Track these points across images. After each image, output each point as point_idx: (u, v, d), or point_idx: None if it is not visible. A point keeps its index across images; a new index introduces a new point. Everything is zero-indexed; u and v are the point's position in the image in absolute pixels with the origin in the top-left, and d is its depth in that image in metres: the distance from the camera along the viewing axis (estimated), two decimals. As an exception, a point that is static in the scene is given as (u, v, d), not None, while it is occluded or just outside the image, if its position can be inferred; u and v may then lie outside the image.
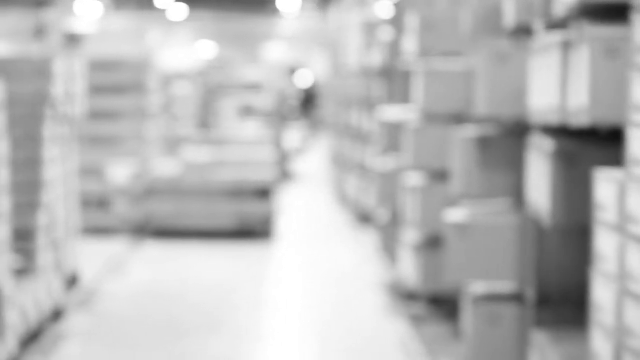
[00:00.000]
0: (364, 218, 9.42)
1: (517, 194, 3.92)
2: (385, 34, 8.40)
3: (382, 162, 6.66)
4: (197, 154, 8.88)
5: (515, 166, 3.89)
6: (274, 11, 29.37)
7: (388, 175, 6.37)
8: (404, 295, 6.09)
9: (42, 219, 5.27)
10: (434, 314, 5.69)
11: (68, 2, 19.58)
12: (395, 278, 6.57)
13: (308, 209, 10.75)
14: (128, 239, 8.29)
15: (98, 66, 8.73)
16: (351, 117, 9.98)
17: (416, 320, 5.59)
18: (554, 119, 3.04)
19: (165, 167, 8.83)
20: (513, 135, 3.92)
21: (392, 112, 7.21)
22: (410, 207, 5.56)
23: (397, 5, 6.31)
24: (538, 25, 3.48)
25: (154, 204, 8.54)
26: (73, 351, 5.01)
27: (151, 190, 8.56)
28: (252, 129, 14.87)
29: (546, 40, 3.19)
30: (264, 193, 8.61)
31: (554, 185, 3.09)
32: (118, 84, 8.93)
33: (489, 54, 3.70)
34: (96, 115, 8.43)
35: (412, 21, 5.62)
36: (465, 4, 5.48)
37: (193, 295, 6.46)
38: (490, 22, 4.18)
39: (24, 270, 4.98)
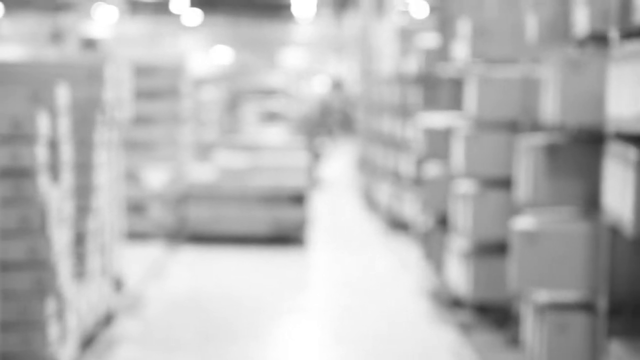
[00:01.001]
0: (396, 225, 9.40)
1: (587, 202, 3.90)
2: (423, 41, 8.39)
3: (426, 170, 6.64)
4: (232, 159, 8.88)
5: (586, 174, 3.87)
6: (289, 17, 29.40)
7: (433, 183, 6.35)
8: (448, 303, 6.07)
9: (92, 224, 5.26)
10: (481, 321, 5.67)
11: (85, 7, 19.64)
12: (437, 285, 6.55)
13: (337, 214, 10.73)
14: (164, 244, 8.28)
15: (134, 71, 8.73)
16: (385, 124, 9.96)
17: (464, 328, 5.57)
18: (638, 128, 3.02)
19: (200, 173, 8.83)
20: (584, 143, 3.90)
21: (434, 119, 7.20)
22: (461, 215, 5.54)
23: (440, 12, 6.30)
24: (614, 33, 3.47)
25: (190, 209, 8.54)
26: (128, 356, 5.00)
27: (187, 196, 8.56)
28: (275, 134, 14.87)
29: (629, 48, 3.18)
30: (298, 199, 8.61)
31: (637, 194, 3.07)
32: (154, 88, 8.93)
33: (561, 62, 3.68)
34: (132, 120, 8.44)
35: (463, 27, 5.61)
36: (518, 11, 5.47)
37: (234, 301, 6.45)
38: (557, 29, 4.17)
39: (76, 274, 4.98)
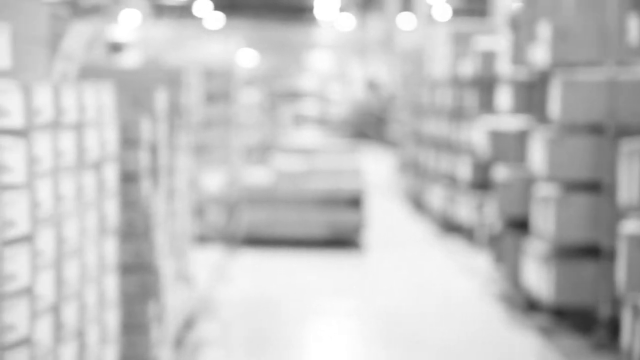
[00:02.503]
0: (449, 228, 9.38)
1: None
2: (480, 44, 8.37)
3: (495, 173, 6.61)
4: (287, 162, 8.87)
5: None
6: (312, 20, 29.41)
7: (504, 185, 6.33)
8: (523, 306, 6.04)
9: (171, 227, 5.27)
10: (560, 325, 5.64)
11: (111, 11, 19.70)
12: (508, 288, 6.53)
13: (385, 217, 10.70)
14: (222, 247, 8.29)
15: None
16: (436, 126, 9.94)
17: (545, 332, 5.54)
18: None
19: (255, 176, 8.83)
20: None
21: (499, 122, 7.17)
22: (541, 218, 5.52)
23: (513, 15, 6.27)
24: None
25: (247, 212, 8.55)
26: (214, 358, 5.01)
27: (244, 199, 8.56)
28: (309, 137, 14.86)
29: None
30: (354, 202, 8.60)
31: None
32: (208, 92, 8.94)
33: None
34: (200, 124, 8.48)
35: (542, 30, 5.58)
36: (599, 13, 5.44)
37: (300, 303, 6.44)
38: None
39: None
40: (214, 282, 6.91)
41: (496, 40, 8.01)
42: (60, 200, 2.70)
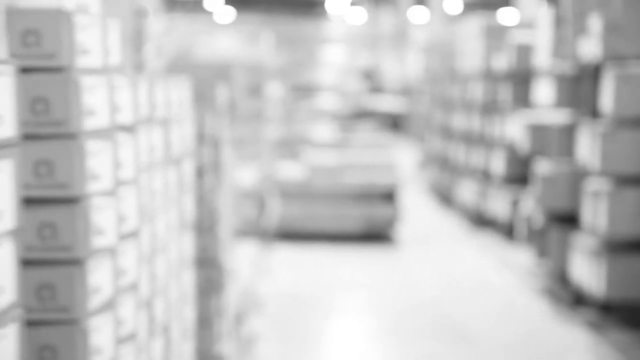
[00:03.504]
0: (481, 222, 9.36)
1: None
2: (515, 37, 8.35)
3: (537, 167, 6.59)
4: (320, 156, 8.86)
5: None
6: (324, 14, 29.38)
7: (547, 180, 6.31)
8: (570, 301, 6.03)
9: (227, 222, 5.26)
10: (609, 320, 5.63)
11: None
12: (551, 283, 6.52)
13: (414, 211, 10.68)
14: (257, 242, 8.29)
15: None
16: (465, 120, 9.92)
17: (595, 327, 5.53)
18: None
19: (289, 170, 8.82)
20: None
21: (539, 116, 7.16)
22: (591, 212, 5.50)
23: (558, 10, 6.25)
24: None
25: (281, 207, 8.54)
26: (268, 352, 5.01)
27: (279, 193, 8.56)
28: (325, 131, 14.82)
29: None
30: (389, 196, 8.59)
31: None
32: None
33: None
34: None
35: (592, 24, 5.57)
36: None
37: (343, 298, 6.45)
38: None
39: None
40: (253, 277, 6.91)
41: (533, 34, 7.99)
42: (154, 195, 2.70)
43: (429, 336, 5.50)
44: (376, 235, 8.65)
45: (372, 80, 25.65)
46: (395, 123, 22.91)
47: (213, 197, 4.06)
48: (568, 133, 6.29)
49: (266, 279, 6.97)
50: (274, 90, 13.30)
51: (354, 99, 21.75)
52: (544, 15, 6.96)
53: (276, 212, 8.58)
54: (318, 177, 8.58)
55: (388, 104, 23.32)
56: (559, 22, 6.22)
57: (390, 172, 8.67)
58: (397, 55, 26.69)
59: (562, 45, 6.20)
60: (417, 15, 25.97)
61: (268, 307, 6.09)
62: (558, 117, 6.56)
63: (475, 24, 9.45)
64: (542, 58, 7.02)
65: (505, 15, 22.95)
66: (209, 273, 4.05)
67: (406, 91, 21.95)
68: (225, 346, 4.29)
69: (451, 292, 6.72)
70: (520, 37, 8.28)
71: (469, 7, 25.53)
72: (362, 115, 21.06)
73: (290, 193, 8.57)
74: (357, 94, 22.49)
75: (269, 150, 9.23)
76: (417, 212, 10.76)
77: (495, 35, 8.91)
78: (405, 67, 25.52)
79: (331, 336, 5.47)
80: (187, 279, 3.36)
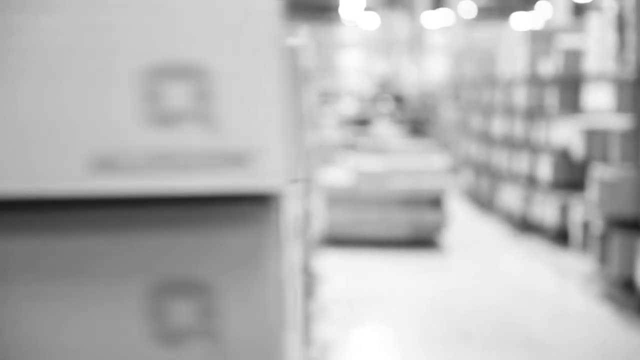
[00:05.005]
0: (525, 227, 9.34)
1: None
2: (563, 42, 8.33)
3: (596, 172, 6.57)
4: (366, 162, 8.86)
5: None
6: (338, 19, 29.38)
7: (607, 185, 6.29)
8: (635, 307, 6.00)
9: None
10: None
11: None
12: (614, 289, 6.49)
13: (454, 216, 10.67)
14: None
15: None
16: (511, 125, 9.90)
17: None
18: None
19: (336, 176, 8.81)
20: None
21: (593, 121, 7.14)
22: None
23: (619, 15, 6.24)
24: None
25: (328, 212, 8.53)
26: (342, 356, 5.01)
27: (326, 199, 8.55)
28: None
29: None
30: (436, 202, 8.57)
31: None
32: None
33: None
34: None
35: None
36: None
37: (402, 303, 6.44)
38: None
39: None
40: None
41: (581, 38, 7.97)
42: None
43: (496, 343, 5.47)
44: (423, 241, 8.63)
45: (389, 89, 25.64)
46: (415, 128, 22.90)
47: (308, 202, 4.05)
48: (630, 138, 6.27)
49: (323, 284, 6.95)
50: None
51: (372, 105, 21.72)
52: (597, 20, 6.95)
53: (324, 218, 8.57)
54: (365, 183, 8.57)
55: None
56: (621, 26, 6.21)
57: (437, 177, 8.65)
58: (414, 60, 26.67)
59: (624, 49, 6.19)
60: (433, 19, 25.95)
61: (333, 312, 6.08)
62: (618, 122, 6.54)
63: (518, 28, 9.44)
64: (594, 63, 7.00)
65: (520, 20, 22.90)
66: (304, 279, 4.04)
67: (425, 96, 21.93)
68: (310, 351, 4.27)
69: (508, 299, 6.70)
70: (568, 42, 8.27)
71: (483, 12, 25.56)
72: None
73: (338, 198, 8.56)
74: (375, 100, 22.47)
75: (312, 156, 9.22)
76: (458, 217, 10.74)
77: (541, 40, 8.89)
78: (423, 72, 25.51)
79: (396, 343, 5.45)
80: (299, 285, 3.35)
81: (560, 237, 8.38)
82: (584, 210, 7.31)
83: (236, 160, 0.91)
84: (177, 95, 0.89)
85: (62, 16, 0.87)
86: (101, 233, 0.91)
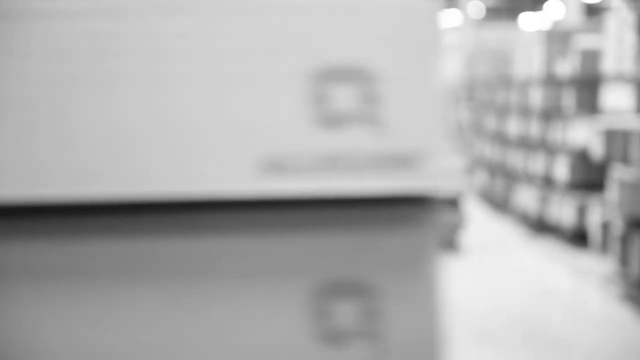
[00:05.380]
0: (542, 228, 9.32)
1: None
2: (580, 42, 8.32)
3: (616, 172, 6.57)
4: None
5: None
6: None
7: (629, 186, 6.28)
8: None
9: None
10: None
11: None
12: (636, 290, 6.47)
13: (470, 217, 10.66)
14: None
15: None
16: (526, 126, 9.89)
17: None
18: None
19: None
20: None
21: (613, 121, 7.13)
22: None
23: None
24: None
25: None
26: None
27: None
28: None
29: None
30: (453, 202, 8.57)
31: None
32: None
33: None
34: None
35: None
36: None
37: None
38: None
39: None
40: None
41: (599, 39, 7.96)
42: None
43: (517, 343, 5.47)
44: (440, 242, 8.61)
45: None
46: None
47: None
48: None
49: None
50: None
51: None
52: (614, 21, 6.94)
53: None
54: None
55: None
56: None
57: (456, 178, 8.63)
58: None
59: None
60: (443, 19, 25.88)
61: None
62: (638, 122, 6.53)
63: (527, 28, 9.44)
64: (612, 63, 7.00)
65: (529, 20, 22.86)
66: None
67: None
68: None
69: (527, 299, 6.69)
70: (585, 42, 8.26)
71: (492, 12, 25.51)
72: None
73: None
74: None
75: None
76: (473, 218, 10.73)
77: (557, 40, 8.88)
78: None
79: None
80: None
81: (578, 238, 8.37)
82: (603, 211, 7.30)
83: (401, 162, 0.91)
84: (344, 97, 0.89)
85: (235, 19, 0.88)
86: (268, 234, 0.91)
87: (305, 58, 0.90)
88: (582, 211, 8.26)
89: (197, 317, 0.90)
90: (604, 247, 7.23)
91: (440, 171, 0.94)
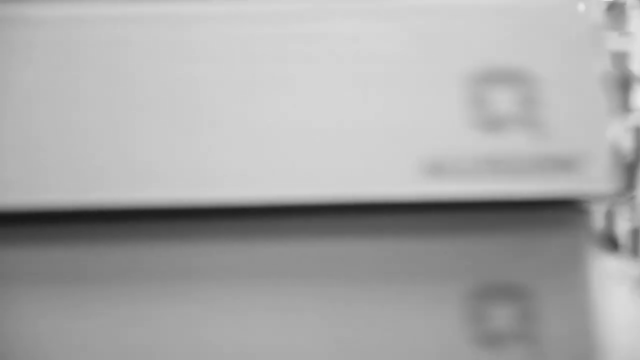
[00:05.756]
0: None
1: None
2: (611, 43, 8.30)
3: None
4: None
5: None
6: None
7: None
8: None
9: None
10: None
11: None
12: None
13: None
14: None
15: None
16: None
17: None
18: None
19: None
20: None
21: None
22: None
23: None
24: None
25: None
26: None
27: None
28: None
29: None
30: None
31: None
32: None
33: None
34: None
35: None
36: None
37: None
38: None
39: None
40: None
41: (627, 38, 7.92)
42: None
43: None
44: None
45: None
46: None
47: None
48: None
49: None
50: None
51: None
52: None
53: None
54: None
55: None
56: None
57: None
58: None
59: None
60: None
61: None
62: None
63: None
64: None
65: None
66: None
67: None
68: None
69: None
70: (616, 43, 8.24)
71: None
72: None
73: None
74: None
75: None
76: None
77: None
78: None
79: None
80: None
81: (607, 241, 8.32)
82: (635, 215, 7.28)
83: (562, 165, 0.91)
84: (503, 100, 0.89)
85: (392, 22, 0.87)
86: (426, 236, 0.90)
87: (464, 61, 0.89)
88: (611, 214, 8.22)
89: (355, 320, 0.89)
90: (635, 251, 7.20)
91: (601, 175, 0.93)
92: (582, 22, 0.97)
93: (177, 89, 0.96)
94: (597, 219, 1.16)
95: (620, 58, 7.13)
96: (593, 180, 0.95)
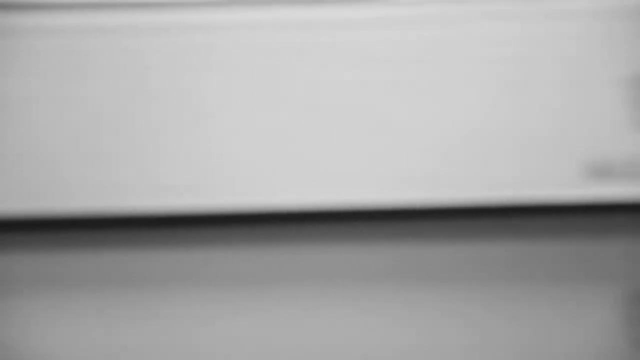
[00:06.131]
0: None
1: None
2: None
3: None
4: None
5: None
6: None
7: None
8: None
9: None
10: None
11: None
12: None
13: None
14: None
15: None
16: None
17: None
18: None
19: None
20: None
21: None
22: None
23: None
24: None
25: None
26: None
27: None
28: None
29: None
30: None
31: None
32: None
33: None
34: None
35: None
36: None
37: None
38: None
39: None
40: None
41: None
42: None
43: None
44: None
45: None
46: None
47: None
48: None
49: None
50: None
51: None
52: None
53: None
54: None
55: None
56: None
57: None
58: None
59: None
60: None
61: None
62: None
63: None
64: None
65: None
66: None
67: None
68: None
69: None
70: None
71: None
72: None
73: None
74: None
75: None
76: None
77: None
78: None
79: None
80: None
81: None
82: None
83: None
84: None
85: (556, 27, 0.89)
86: (587, 239, 0.91)
87: (627, 63, 0.90)
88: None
89: (515, 321, 0.89)
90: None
91: None
92: None
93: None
94: None
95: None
96: None
